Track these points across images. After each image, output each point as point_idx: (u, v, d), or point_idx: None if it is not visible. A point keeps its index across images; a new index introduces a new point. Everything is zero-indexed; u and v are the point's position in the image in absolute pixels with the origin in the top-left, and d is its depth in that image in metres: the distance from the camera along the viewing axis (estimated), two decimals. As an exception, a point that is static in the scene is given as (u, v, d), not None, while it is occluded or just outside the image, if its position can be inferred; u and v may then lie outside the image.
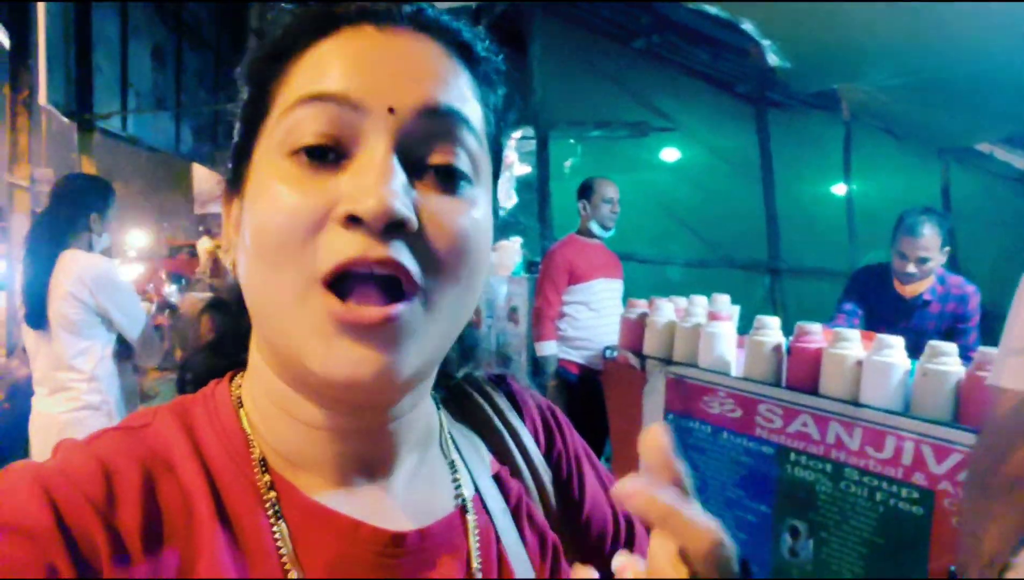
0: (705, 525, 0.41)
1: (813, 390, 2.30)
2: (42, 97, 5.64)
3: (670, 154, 6.60)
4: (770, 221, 6.23)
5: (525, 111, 5.14)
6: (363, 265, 0.47)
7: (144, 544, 0.48)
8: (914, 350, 2.30)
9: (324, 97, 0.49)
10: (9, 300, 4.83)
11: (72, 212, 2.72)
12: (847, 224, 6.03)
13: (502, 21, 5.57)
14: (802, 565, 2.32)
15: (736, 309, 3.07)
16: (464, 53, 0.55)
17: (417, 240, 0.49)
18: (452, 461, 0.64)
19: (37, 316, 2.65)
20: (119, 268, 2.89)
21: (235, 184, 0.57)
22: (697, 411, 2.66)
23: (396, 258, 0.47)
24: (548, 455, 0.72)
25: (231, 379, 0.61)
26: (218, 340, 0.66)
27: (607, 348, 3.38)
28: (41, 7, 5.58)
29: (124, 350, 2.77)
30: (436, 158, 0.51)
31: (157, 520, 0.50)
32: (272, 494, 0.54)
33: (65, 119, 6.12)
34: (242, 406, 0.58)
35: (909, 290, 3.10)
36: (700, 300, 2.96)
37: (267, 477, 0.54)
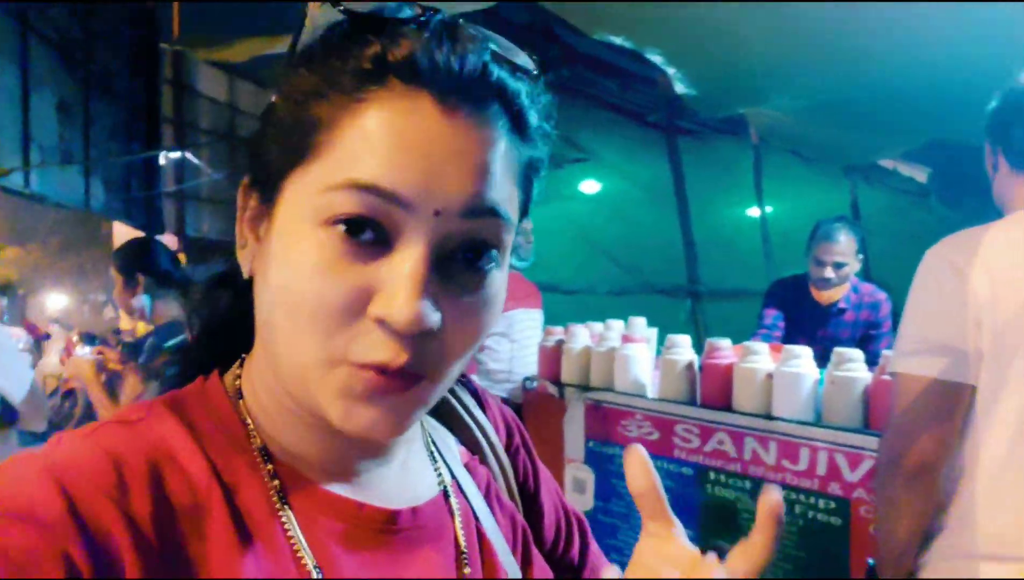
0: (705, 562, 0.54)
1: (727, 406, 2.28)
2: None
3: (589, 185, 6.67)
4: (688, 246, 6.33)
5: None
6: (389, 370, 0.49)
7: (158, 532, 0.49)
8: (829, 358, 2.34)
9: (373, 190, 0.48)
10: None
11: None
12: (763, 245, 6.17)
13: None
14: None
15: (653, 332, 3.05)
16: (517, 121, 0.53)
17: (439, 336, 0.50)
18: (430, 449, 0.68)
19: None
20: (3, 328, 2.68)
21: (262, 191, 0.55)
22: (616, 436, 2.61)
23: (417, 368, 0.50)
24: (507, 448, 0.77)
25: (220, 373, 0.62)
26: (209, 337, 0.67)
27: (527, 379, 3.32)
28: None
29: (7, 414, 2.59)
30: (470, 252, 0.51)
31: (168, 508, 0.50)
32: (276, 482, 0.56)
33: (-40, 179, 5.86)
34: (241, 398, 0.59)
35: (826, 297, 3.16)
36: (616, 324, 2.94)
37: (270, 466, 0.56)
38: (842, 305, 3.16)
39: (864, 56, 4.05)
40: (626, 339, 2.69)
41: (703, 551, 0.57)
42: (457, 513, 0.64)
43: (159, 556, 0.48)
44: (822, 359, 2.84)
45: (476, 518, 0.66)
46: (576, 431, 2.76)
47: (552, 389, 2.92)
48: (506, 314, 3.67)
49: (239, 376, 0.61)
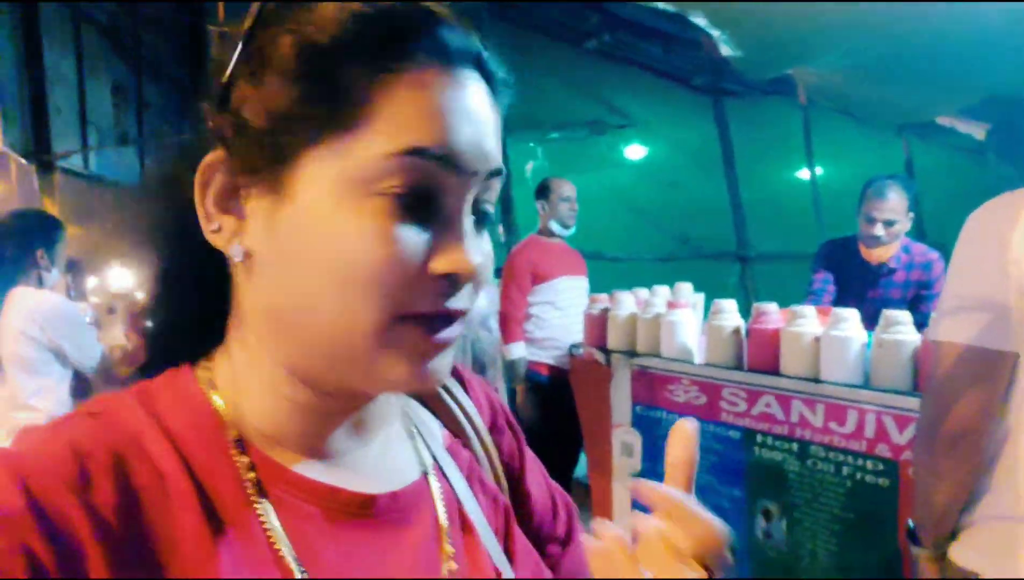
0: (708, 519, 0.50)
1: (774, 370, 2.29)
2: (-1, 140, 5.59)
3: (634, 151, 6.61)
4: (736, 210, 6.25)
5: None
6: (457, 316, 0.54)
7: (123, 523, 0.48)
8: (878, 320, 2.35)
9: (432, 154, 0.50)
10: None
11: (18, 249, 2.67)
12: (813, 207, 6.06)
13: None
14: (776, 546, 2.30)
15: (700, 297, 3.06)
16: (492, 85, 0.57)
17: (472, 280, 0.54)
18: (411, 432, 0.68)
19: None
20: (71, 302, 2.82)
21: (265, 166, 0.53)
22: (663, 401, 2.64)
23: (464, 307, 0.55)
24: (492, 429, 0.77)
25: (190, 366, 0.61)
26: (172, 330, 0.65)
27: (573, 346, 3.36)
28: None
29: (82, 386, 2.72)
30: (482, 206, 0.56)
31: (134, 500, 0.50)
32: (252, 474, 0.55)
33: (23, 161, 6.06)
34: (214, 387, 0.58)
35: (876, 255, 3.09)
36: (662, 290, 2.95)
37: (245, 458, 0.56)
38: (892, 265, 3.09)
39: (917, 9, 3.93)
40: (672, 305, 2.70)
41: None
42: (438, 496, 0.65)
43: (125, 549, 0.47)
44: (872, 320, 2.81)
45: (458, 501, 0.66)
46: (623, 396, 2.80)
47: (598, 356, 2.96)
48: (551, 282, 3.71)
49: (210, 367, 0.60)
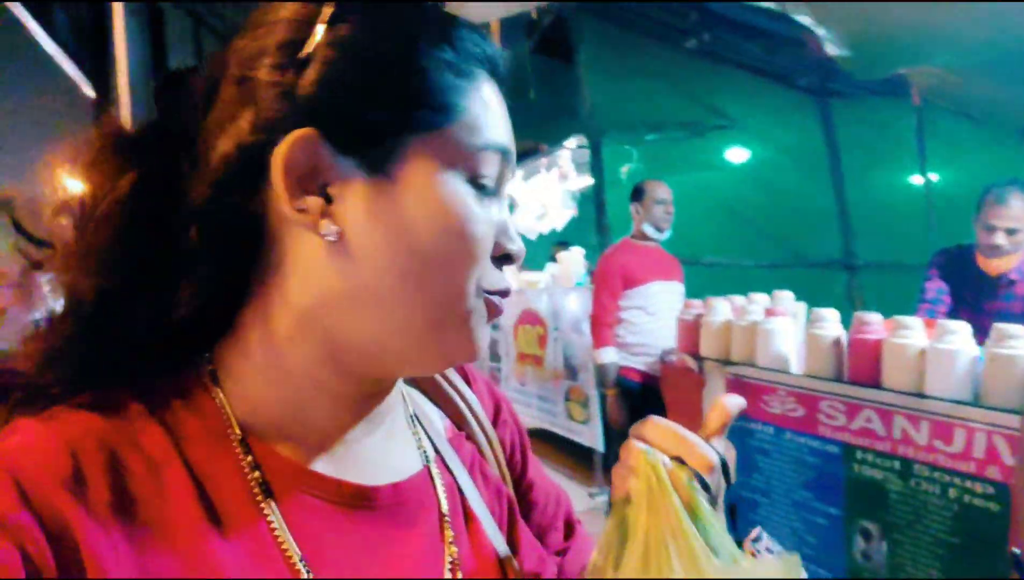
0: (705, 447, 0.62)
1: (876, 383, 2.18)
2: (125, 142, 5.94)
3: (732, 153, 6.46)
4: (842, 216, 6.02)
5: (577, 119, 5.11)
6: (508, 292, 0.61)
7: (119, 517, 0.48)
8: None
9: (501, 149, 0.59)
10: None
11: None
12: (926, 215, 5.78)
13: (550, 31, 5.58)
14: (875, 568, 2.20)
15: (802, 306, 2.95)
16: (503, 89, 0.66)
17: None
18: (413, 424, 0.70)
19: None
20: None
21: (363, 148, 0.53)
22: (758, 412, 2.56)
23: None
24: (494, 423, 0.78)
25: (192, 359, 0.60)
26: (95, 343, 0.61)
27: (665, 352, 3.30)
28: (121, 56, 5.88)
29: None
30: None
31: (130, 496, 0.49)
32: (256, 474, 0.55)
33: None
34: (217, 383, 0.58)
35: (995, 266, 2.93)
36: (759, 297, 2.86)
37: (250, 457, 0.55)
38: (1013, 276, 2.90)
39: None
40: (770, 313, 2.62)
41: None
42: (441, 488, 0.65)
43: (123, 543, 0.47)
44: (988, 335, 2.69)
45: (461, 492, 0.67)
46: (715, 405, 2.73)
47: (691, 363, 2.89)
48: (643, 287, 3.66)
49: (211, 363, 0.59)
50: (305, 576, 0.53)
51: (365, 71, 0.53)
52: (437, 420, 0.73)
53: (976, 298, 2.99)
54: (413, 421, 0.70)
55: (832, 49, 4.59)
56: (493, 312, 0.60)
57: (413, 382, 0.76)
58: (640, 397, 3.66)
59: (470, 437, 0.74)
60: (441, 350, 0.58)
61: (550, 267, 6.33)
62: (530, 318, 5.39)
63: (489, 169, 0.58)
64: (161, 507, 0.50)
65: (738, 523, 2.74)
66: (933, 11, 3.95)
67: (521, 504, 0.76)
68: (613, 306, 3.68)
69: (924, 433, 2.04)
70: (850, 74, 5.24)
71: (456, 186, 0.56)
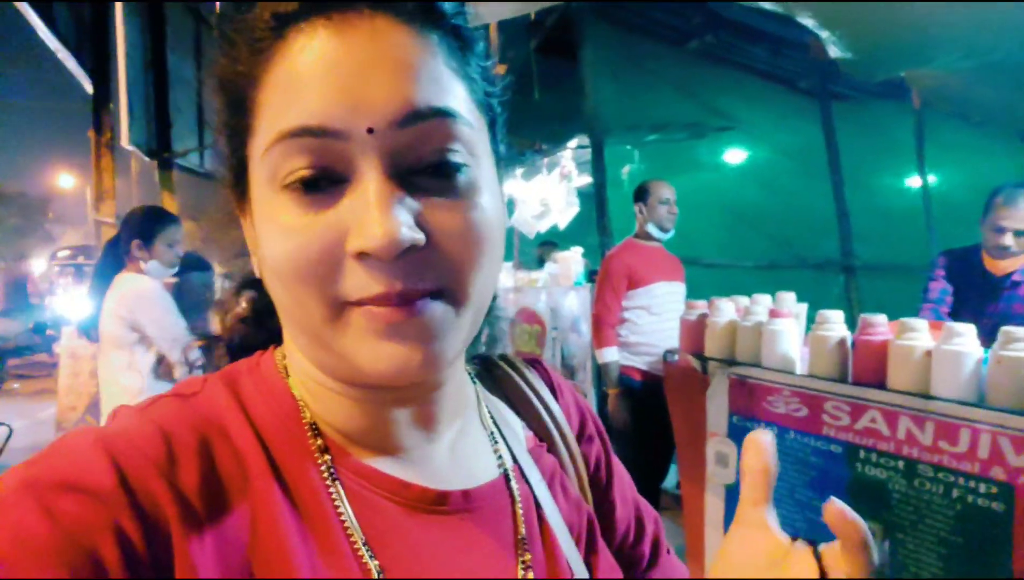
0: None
1: (881, 384, 2.20)
2: (124, 139, 5.94)
3: (734, 155, 6.48)
4: (841, 218, 6.04)
5: (580, 119, 5.12)
6: (387, 300, 0.49)
7: (206, 504, 0.50)
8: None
9: (301, 132, 0.48)
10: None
11: (126, 241, 2.96)
12: (924, 217, 5.80)
13: (554, 31, 5.59)
14: (878, 568, 2.21)
15: (803, 307, 2.97)
16: (430, 15, 0.52)
17: (430, 251, 0.50)
18: (492, 432, 0.67)
19: (86, 328, 2.99)
20: (160, 286, 3.03)
21: (240, 191, 0.58)
22: (762, 412, 2.57)
23: (415, 281, 0.49)
24: (579, 438, 0.75)
25: (275, 349, 0.63)
26: (257, 314, 0.68)
27: (667, 352, 3.32)
28: (121, 53, 5.88)
29: (165, 366, 2.94)
30: (429, 157, 0.50)
31: (217, 481, 0.51)
32: (327, 457, 0.56)
33: (147, 158, 6.43)
34: (288, 376, 0.60)
35: (1002, 267, 2.96)
36: (763, 299, 2.88)
37: (320, 441, 0.57)
38: (1017, 277, 2.93)
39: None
40: (774, 314, 2.64)
41: (796, 539, 0.53)
42: (518, 498, 0.63)
43: (207, 528, 0.49)
44: (992, 336, 2.74)
45: (538, 505, 0.64)
46: (720, 405, 2.74)
47: (695, 363, 2.91)
48: (646, 287, 3.67)
49: (285, 355, 0.62)
50: (371, 565, 0.53)
51: (215, 112, 0.57)
52: (519, 430, 0.71)
53: (980, 300, 3.02)
54: (493, 430, 0.68)
55: (834, 52, 4.60)
56: (375, 326, 0.50)
57: (496, 388, 0.74)
58: (641, 397, 3.67)
59: (551, 449, 0.71)
60: (348, 366, 0.52)
61: (549, 266, 6.34)
62: (527, 317, 5.40)
63: (296, 162, 0.49)
64: (244, 494, 0.52)
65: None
66: (935, 14, 3.96)
67: (603, 524, 0.73)
68: (616, 306, 3.69)
69: (929, 434, 2.06)
70: (851, 76, 5.25)
71: (272, 201, 0.51)
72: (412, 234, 0.48)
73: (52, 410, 6.78)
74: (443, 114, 0.50)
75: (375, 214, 0.47)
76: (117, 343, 2.85)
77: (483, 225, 0.52)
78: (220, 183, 0.61)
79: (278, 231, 0.50)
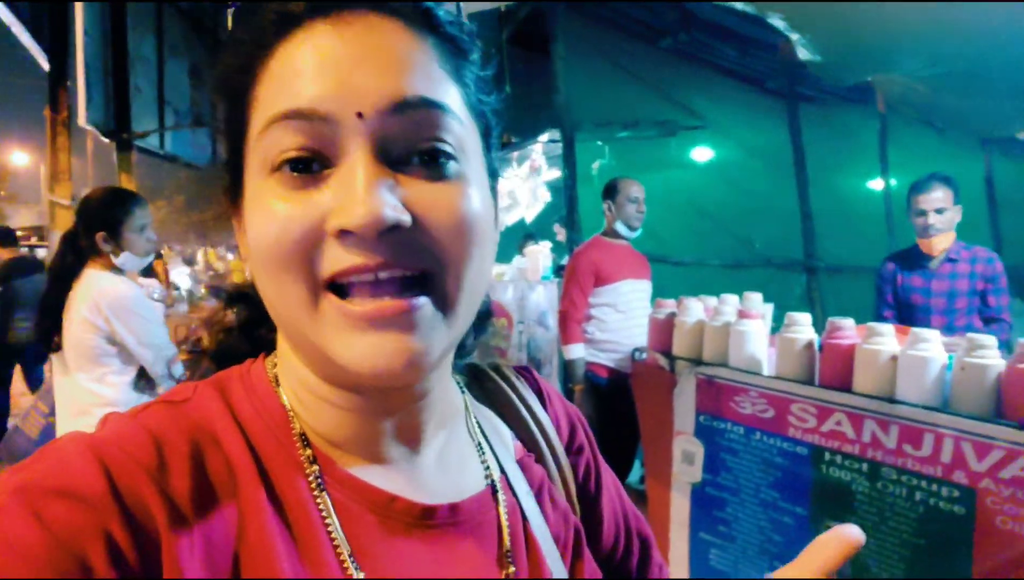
0: None
1: (847, 387, 2.22)
2: (81, 118, 5.77)
3: (701, 153, 6.52)
4: (805, 218, 6.12)
5: (551, 113, 5.10)
6: (365, 271, 0.48)
7: (196, 510, 0.50)
8: (948, 313, 2.81)
9: (292, 115, 0.49)
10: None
11: (86, 233, 2.58)
12: (886, 219, 5.90)
13: (526, 24, 5.55)
14: (841, 568, 2.24)
15: (769, 308, 3.00)
16: (427, 23, 0.54)
17: (415, 233, 0.49)
18: (479, 443, 0.67)
19: (45, 337, 2.56)
20: (139, 292, 2.68)
21: (234, 198, 0.58)
22: (728, 412, 2.59)
23: (396, 260, 0.49)
24: (568, 448, 0.75)
25: (265, 357, 0.63)
26: (246, 324, 0.68)
27: (636, 350, 3.33)
28: (79, 29, 5.71)
29: (145, 378, 2.63)
30: (418, 146, 0.51)
31: (207, 488, 0.51)
32: (315, 467, 0.56)
33: (104, 139, 6.26)
34: (279, 385, 0.60)
35: (935, 245, 3.31)
36: (731, 299, 2.89)
37: (309, 451, 0.57)
38: (953, 255, 3.28)
39: (1006, 19, 3.78)
40: (742, 314, 2.65)
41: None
42: (503, 510, 0.63)
43: (196, 534, 0.49)
44: (942, 313, 3.18)
45: (524, 516, 0.64)
46: (687, 404, 2.75)
47: (662, 361, 2.92)
48: (613, 285, 3.68)
49: (276, 363, 0.62)
50: (355, 575, 0.53)
51: (214, 107, 0.59)
52: (507, 439, 0.71)
53: (926, 280, 3.36)
54: (481, 440, 0.68)
55: (803, 54, 4.66)
56: (356, 308, 0.49)
57: (485, 397, 0.74)
58: (607, 393, 3.68)
59: (540, 460, 0.71)
60: (328, 359, 0.51)
61: (517, 260, 6.33)
62: (495, 310, 5.37)
63: (286, 143, 0.49)
64: (233, 501, 0.52)
65: (704, 520, 2.78)
66: (903, 21, 4.02)
67: (591, 535, 0.73)
68: (583, 302, 3.69)
69: (893, 437, 2.08)
70: (819, 79, 5.32)
71: (262, 187, 0.51)
72: (396, 214, 0.48)
73: None
74: (433, 105, 0.51)
75: (359, 192, 0.47)
76: (89, 355, 2.51)
77: (471, 215, 0.52)
78: (219, 186, 0.61)
79: (264, 213, 0.50)
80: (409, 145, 0.51)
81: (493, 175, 0.61)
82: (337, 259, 0.48)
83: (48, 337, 2.57)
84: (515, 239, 7.05)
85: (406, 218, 0.48)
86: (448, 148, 0.51)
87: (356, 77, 0.49)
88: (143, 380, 2.63)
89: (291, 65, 0.50)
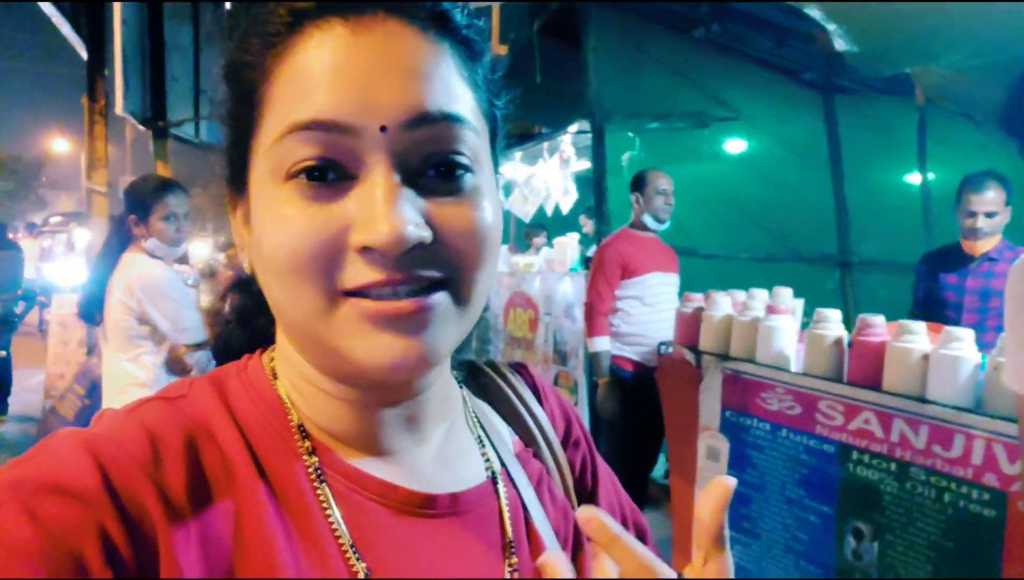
0: (648, 561, 0.48)
1: (876, 386, 2.19)
2: (118, 107, 5.85)
3: (734, 145, 6.43)
4: (840, 212, 6.00)
5: (581, 104, 5.06)
6: (386, 285, 0.49)
7: (192, 505, 0.50)
8: (981, 311, 2.76)
9: (312, 125, 0.49)
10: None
11: (125, 216, 2.72)
12: (923, 214, 5.78)
13: (557, 15, 5.51)
14: (866, 568, 2.21)
15: (800, 303, 2.96)
16: (443, 23, 0.53)
17: (434, 247, 0.50)
18: (479, 436, 0.67)
19: (88, 312, 2.71)
20: (171, 274, 2.76)
21: (237, 186, 0.58)
22: (755, 408, 2.56)
23: (417, 273, 0.50)
24: (564, 443, 0.75)
25: (263, 352, 0.63)
26: (241, 315, 0.69)
27: (662, 344, 3.30)
28: (117, 19, 5.79)
29: (176, 360, 2.71)
30: (434, 159, 0.51)
31: (203, 482, 0.51)
32: (314, 459, 0.56)
33: (141, 127, 6.35)
34: (276, 378, 0.60)
35: (978, 248, 3.23)
36: (760, 293, 2.86)
37: (307, 442, 0.57)
38: (993, 255, 3.20)
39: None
40: (770, 310, 2.62)
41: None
42: (505, 501, 0.63)
43: (192, 529, 0.49)
44: (973, 311, 3.10)
45: (525, 509, 0.65)
46: (712, 399, 2.73)
47: (689, 356, 2.89)
48: (640, 278, 3.65)
49: (273, 358, 0.62)
50: (357, 565, 0.53)
51: (218, 103, 0.58)
52: (505, 434, 0.71)
53: (961, 278, 3.28)
54: (480, 435, 0.68)
55: (840, 45, 4.56)
56: (374, 315, 0.50)
57: (483, 393, 0.74)
58: (632, 387, 3.66)
59: (537, 455, 0.71)
60: (341, 360, 0.52)
61: (544, 251, 6.31)
62: (521, 301, 5.37)
63: (306, 154, 0.49)
64: (230, 495, 0.52)
65: (728, 516, 2.75)
66: (942, 12, 3.93)
67: None
68: (609, 295, 3.66)
69: (923, 437, 2.04)
70: (856, 71, 5.21)
71: (275, 192, 0.51)
72: (419, 232, 0.48)
73: (40, 377, 6.74)
74: (452, 119, 0.51)
75: (382, 210, 0.48)
76: (125, 335, 2.62)
77: (486, 225, 0.53)
78: (217, 175, 0.61)
79: (279, 221, 0.50)
80: (426, 158, 0.51)
81: (496, 173, 0.61)
82: (358, 273, 0.49)
83: (91, 313, 2.72)
84: (551, 231, 7.03)
85: (427, 235, 0.49)
86: (464, 160, 0.52)
87: (378, 89, 0.49)
88: (174, 362, 2.71)
89: (308, 69, 0.50)
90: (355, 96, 0.48)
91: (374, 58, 0.49)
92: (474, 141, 0.53)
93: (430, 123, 0.50)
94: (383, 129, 0.49)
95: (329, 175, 0.49)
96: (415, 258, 0.49)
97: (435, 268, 0.51)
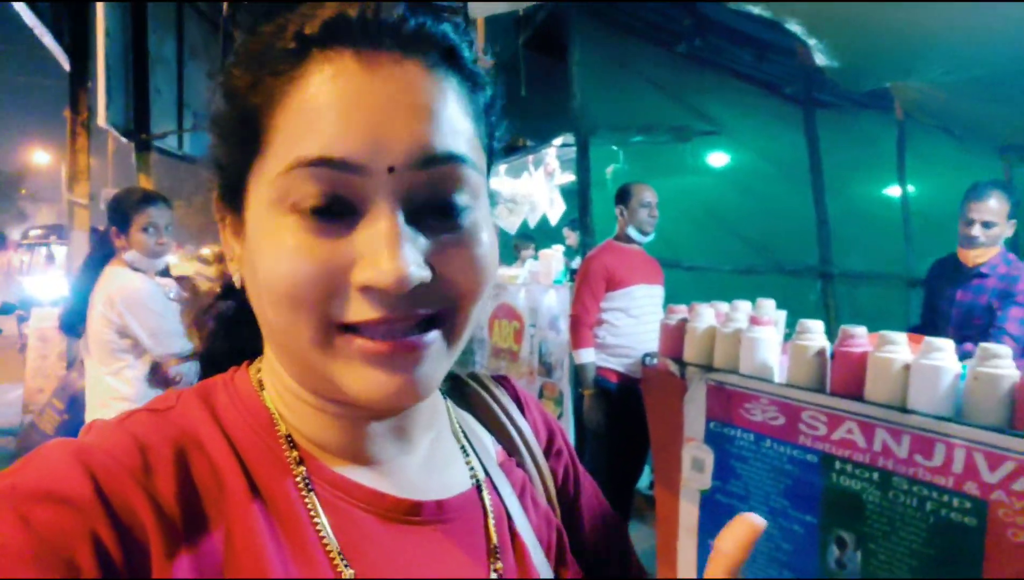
0: None
1: (859, 396, 2.21)
2: (101, 119, 5.82)
3: (716, 159, 6.49)
4: (821, 225, 6.07)
5: (566, 117, 5.10)
6: (385, 323, 0.50)
7: (183, 513, 0.50)
8: (964, 325, 2.66)
9: (321, 163, 0.49)
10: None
11: (104, 231, 2.74)
12: (903, 226, 5.85)
13: (542, 28, 5.56)
14: (850, 577, 2.22)
15: (782, 314, 2.98)
16: (451, 60, 0.54)
17: (434, 284, 0.51)
18: (463, 446, 0.69)
19: (71, 324, 2.70)
20: (153, 287, 2.74)
21: (230, 201, 0.58)
22: (738, 419, 2.58)
23: (414, 309, 0.51)
24: (547, 452, 0.77)
25: (249, 364, 0.64)
26: (226, 326, 0.69)
27: (646, 355, 3.31)
28: (100, 31, 5.77)
29: (159, 372, 2.68)
30: (439, 199, 0.52)
31: (193, 491, 0.52)
32: (302, 468, 0.57)
33: (124, 139, 6.32)
34: (263, 389, 0.61)
35: (972, 257, 3.16)
36: (743, 305, 2.88)
37: (295, 452, 0.58)
38: (985, 270, 3.14)
39: (1025, 26, 3.73)
40: (754, 321, 2.63)
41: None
42: (489, 509, 0.65)
43: (183, 537, 0.49)
44: (958, 325, 3.03)
45: (509, 516, 0.66)
46: (697, 411, 2.74)
47: (673, 367, 2.90)
48: (625, 290, 3.67)
49: (260, 369, 0.63)
50: (344, 572, 0.54)
51: (212, 121, 0.57)
52: (489, 444, 0.72)
53: (952, 288, 3.24)
54: (464, 444, 0.69)
55: (821, 59, 4.62)
56: (372, 349, 0.51)
57: (466, 404, 0.76)
58: (617, 398, 3.67)
59: (520, 464, 0.73)
60: (335, 388, 0.53)
61: (529, 263, 6.33)
62: (506, 313, 5.38)
63: (312, 190, 0.49)
64: (219, 504, 0.53)
65: (713, 527, 2.77)
66: (922, 26, 3.99)
67: (570, 536, 0.74)
68: (594, 307, 3.68)
69: (905, 446, 2.06)
70: (836, 85, 5.28)
71: (277, 222, 0.51)
72: (420, 273, 0.49)
73: (19, 392, 6.66)
74: (457, 159, 0.52)
75: (387, 251, 0.48)
76: (107, 348, 2.61)
77: (485, 261, 0.54)
78: (205, 185, 0.61)
79: (280, 252, 0.50)
80: (430, 197, 0.52)
81: (493, 204, 0.63)
82: (358, 310, 0.50)
83: (73, 326, 2.71)
84: (538, 243, 7.05)
85: (428, 275, 0.50)
86: (465, 199, 0.53)
87: (387, 128, 0.49)
88: (156, 375, 2.68)
89: (317, 102, 0.49)
90: (365, 135, 0.49)
91: (383, 96, 0.49)
92: (475, 179, 0.54)
93: (436, 164, 0.51)
94: (391, 170, 0.49)
95: (333, 210, 0.50)
96: (414, 296, 0.50)
97: (432, 305, 0.52)
